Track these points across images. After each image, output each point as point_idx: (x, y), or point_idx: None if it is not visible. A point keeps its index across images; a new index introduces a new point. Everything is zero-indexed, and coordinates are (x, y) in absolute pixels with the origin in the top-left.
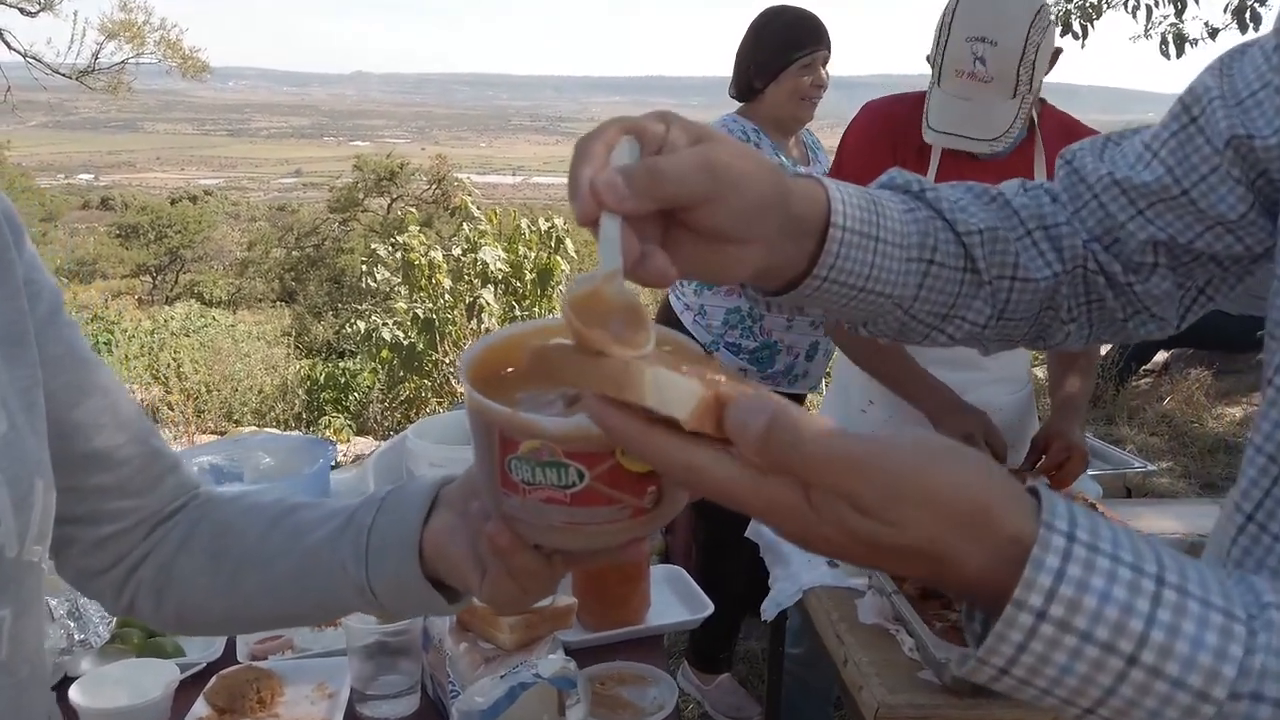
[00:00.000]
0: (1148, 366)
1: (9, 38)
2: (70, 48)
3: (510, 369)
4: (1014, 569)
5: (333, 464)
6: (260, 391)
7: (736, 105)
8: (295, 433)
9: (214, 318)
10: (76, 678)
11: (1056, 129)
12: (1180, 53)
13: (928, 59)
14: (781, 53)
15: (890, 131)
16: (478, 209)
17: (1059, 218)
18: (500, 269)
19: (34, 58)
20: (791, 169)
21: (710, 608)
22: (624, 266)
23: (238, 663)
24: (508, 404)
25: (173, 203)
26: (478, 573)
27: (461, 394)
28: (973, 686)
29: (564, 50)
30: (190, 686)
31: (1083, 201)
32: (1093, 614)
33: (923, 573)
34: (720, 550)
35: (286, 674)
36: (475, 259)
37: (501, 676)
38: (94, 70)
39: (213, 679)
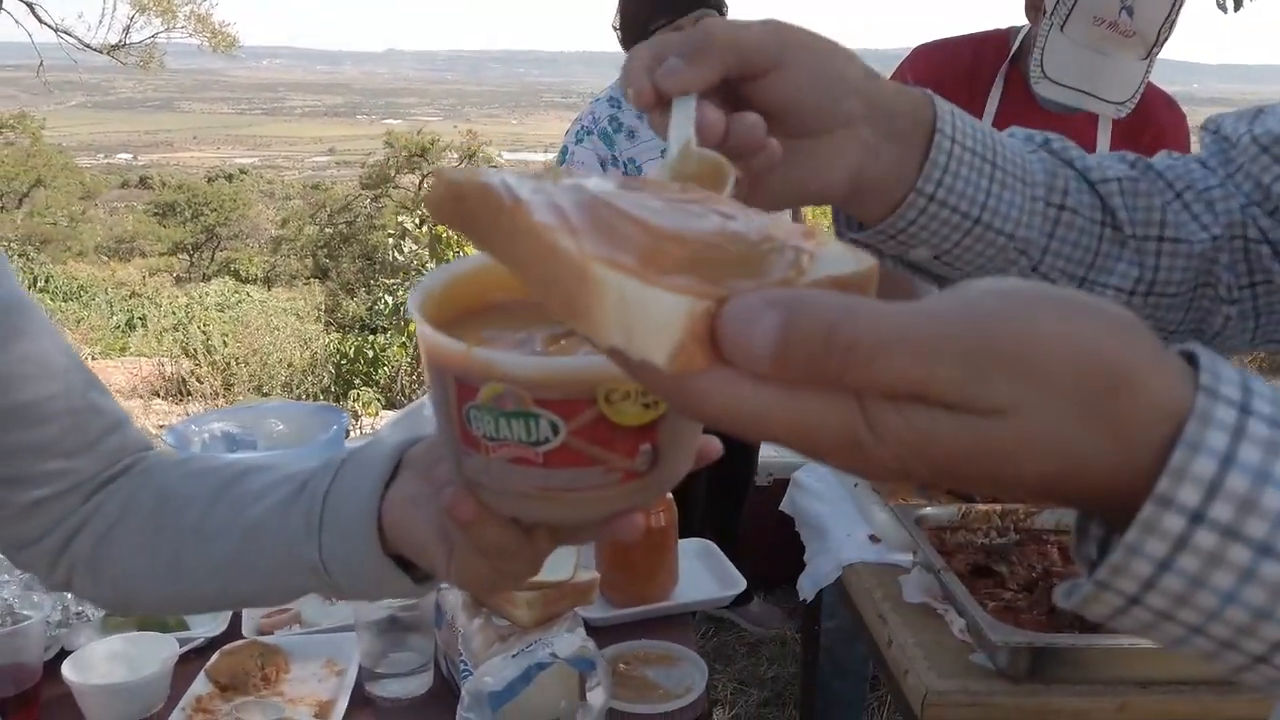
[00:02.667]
0: None
1: (41, 13)
2: (101, 22)
3: (483, 304)
4: (1160, 456)
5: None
6: (290, 365)
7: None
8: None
9: (248, 294)
10: (72, 651)
11: None
12: (1239, 6)
13: None
14: (642, 18)
15: (934, 84)
16: None
17: (1210, 181)
18: None
19: (65, 32)
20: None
21: (743, 584)
22: (706, 140)
23: (242, 637)
24: (470, 341)
25: (209, 181)
26: (443, 549)
27: None
28: (1030, 670)
29: (593, 25)
30: (192, 661)
31: (1236, 165)
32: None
33: (1031, 482)
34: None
35: (293, 650)
36: None
37: (514, 656)
38: (125, 45)
39: (215, 654)
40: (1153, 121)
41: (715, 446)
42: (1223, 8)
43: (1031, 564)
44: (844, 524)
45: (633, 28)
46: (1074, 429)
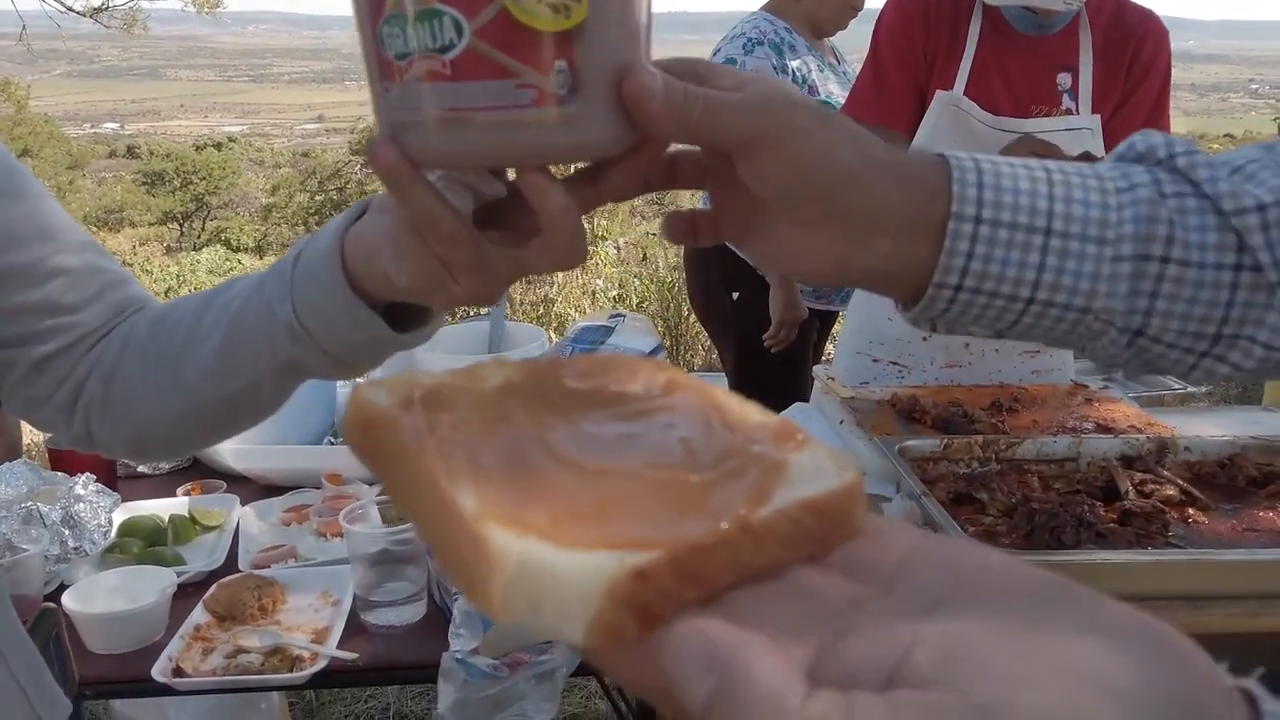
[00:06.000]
0: None
1: None
2: None
3: None
4: None
5: None
6: None
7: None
8: None
9: (240, 262)
10: (71, 585)
11: (1109, 6)
12: None
13: None
14: None
15: (924, 9)
16: None
17: None
18: None
19: None
20: (828, 71)
21: None
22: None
23: (239, 571)
24: None
25: (198, 150)
26: (392, 251)
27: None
28: None
29: None
30: (190, 595)
31: None
32: None
33: None
34: None
35: (289, 582)
36: None
37: None
38: (108, 8)
39: (213, 587)
40: (1133, 34)
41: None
42: None
43: (1011, 491)
44: None
45: None
46: None
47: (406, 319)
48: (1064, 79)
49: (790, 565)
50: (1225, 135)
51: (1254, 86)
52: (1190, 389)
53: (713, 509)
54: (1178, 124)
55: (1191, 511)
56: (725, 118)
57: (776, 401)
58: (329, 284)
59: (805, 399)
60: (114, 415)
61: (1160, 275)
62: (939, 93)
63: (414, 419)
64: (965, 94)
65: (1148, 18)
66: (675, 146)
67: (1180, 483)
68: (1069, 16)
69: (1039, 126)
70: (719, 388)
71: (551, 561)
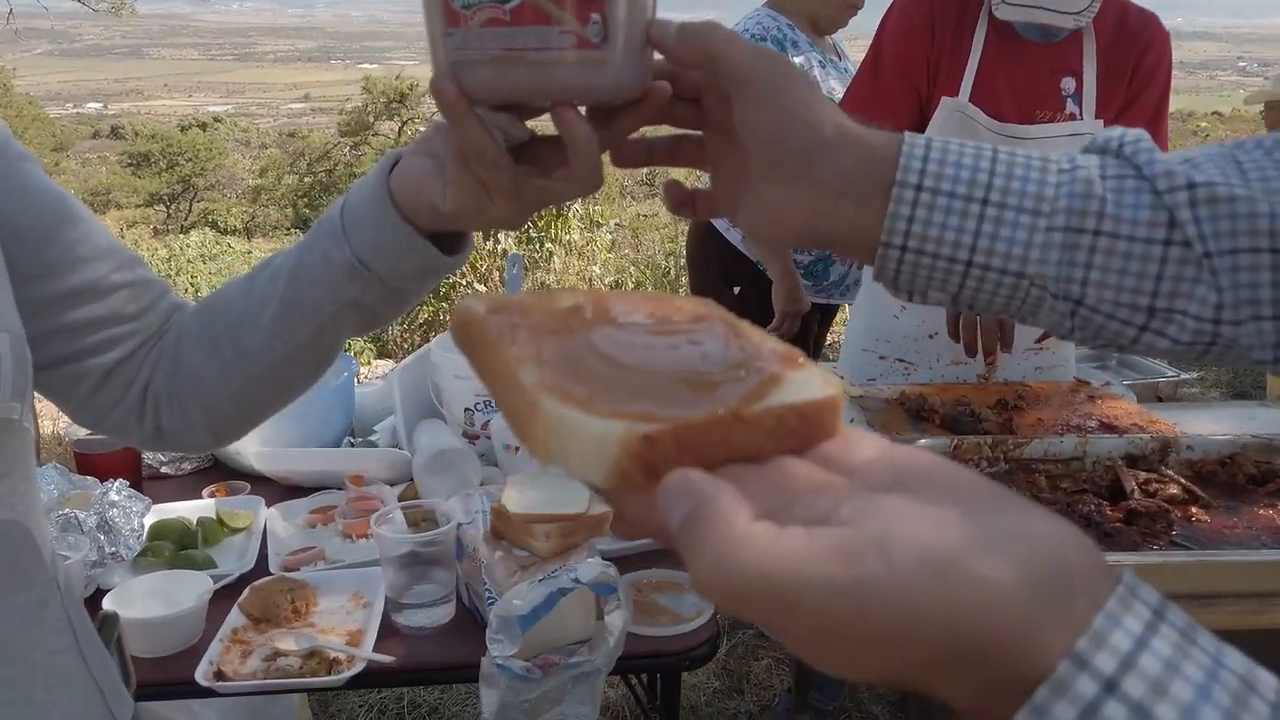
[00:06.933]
0: None
1: None
2: None
3: None
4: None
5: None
6: None
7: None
8: None
9: (230, 245)
10: (108, 590)
11: (1112, 10)
12: None
13: None
14: None
15: (928, 16)
16: None
17: None
18: None
19: None
20: (828, 65)
21: None
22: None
23: (270, 574)
24: None
25: (183, 130)
26: (438, 180)
27: None
28: None
29: None
30: (223, 599)
31: None
32: None
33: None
34: None
35: (320, 585)
36: None
37: (540, 580)
38: None
39: (246, 590)
40: (1137, 40)
41: (664, 89)
42: None
43: (1020, 491)
44: None
45: None
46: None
47: (447, 247)
48: (1068, 84)
49: (774, 455)
50: (1213, 113)
51: (1242, 64)
52: (1183, 375)
53: (714, 401)
54: None
55: (1194, 510)
56: (742, 52)
57: None
58: (384, 220)
59: None
60: (182, 404)
61: (1093, 247)
62: (945, 99)
63: (498, 320)
64: (970, 100)
65: (1150, 22)
66: (680, 131)
67: (1183, 481)
68: (1089, 19)
69: (1044, 132)
70: (746, 322)
71: (582, 424)
